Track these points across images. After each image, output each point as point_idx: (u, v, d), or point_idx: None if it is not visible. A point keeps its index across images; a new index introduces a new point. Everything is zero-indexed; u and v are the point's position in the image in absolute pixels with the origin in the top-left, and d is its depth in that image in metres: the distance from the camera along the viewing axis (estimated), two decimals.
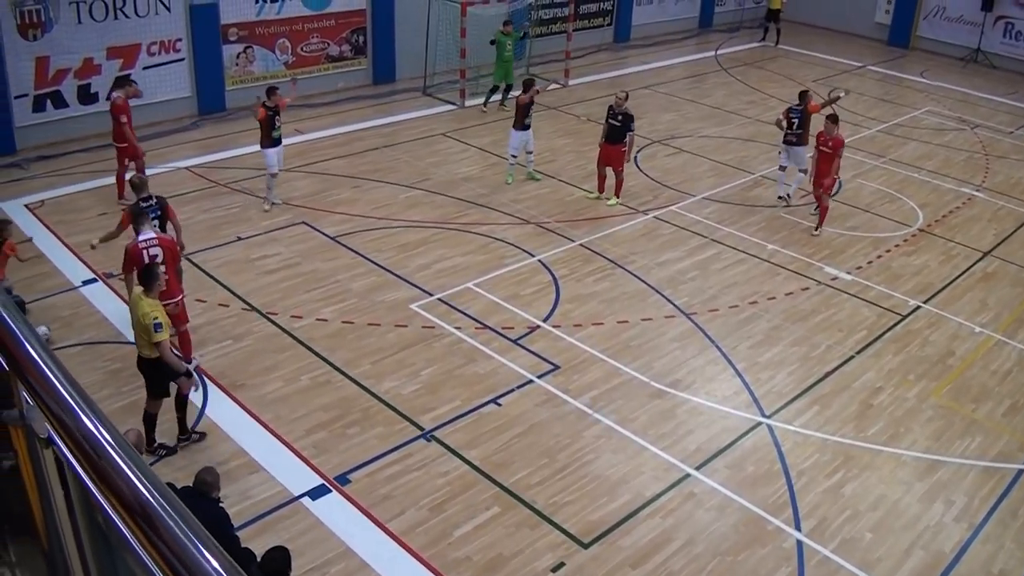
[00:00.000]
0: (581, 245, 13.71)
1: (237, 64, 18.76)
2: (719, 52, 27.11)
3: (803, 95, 15.39)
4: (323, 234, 13.54)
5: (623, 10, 26.82)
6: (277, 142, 13.86)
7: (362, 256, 12.95)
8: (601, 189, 15.32)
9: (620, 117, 14.63)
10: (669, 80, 23.59)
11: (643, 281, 12.76)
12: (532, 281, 12.55)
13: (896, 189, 16.78)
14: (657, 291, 12.52)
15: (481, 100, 20.23)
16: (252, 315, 11.28)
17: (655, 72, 24.30)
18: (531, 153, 16.00)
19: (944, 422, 10.16)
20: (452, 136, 18.19)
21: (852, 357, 11.29)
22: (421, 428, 9.38)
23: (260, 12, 18.77)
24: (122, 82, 14.92)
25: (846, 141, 14.85)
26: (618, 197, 15.13)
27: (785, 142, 15.30)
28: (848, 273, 13.42)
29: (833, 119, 14.11)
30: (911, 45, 28.62)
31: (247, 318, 11.20)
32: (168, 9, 17.31)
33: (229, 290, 11.78)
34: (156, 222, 10.21)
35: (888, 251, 14.27)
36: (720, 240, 14.20)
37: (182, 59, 17.87)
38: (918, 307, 12.63)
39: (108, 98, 15.09)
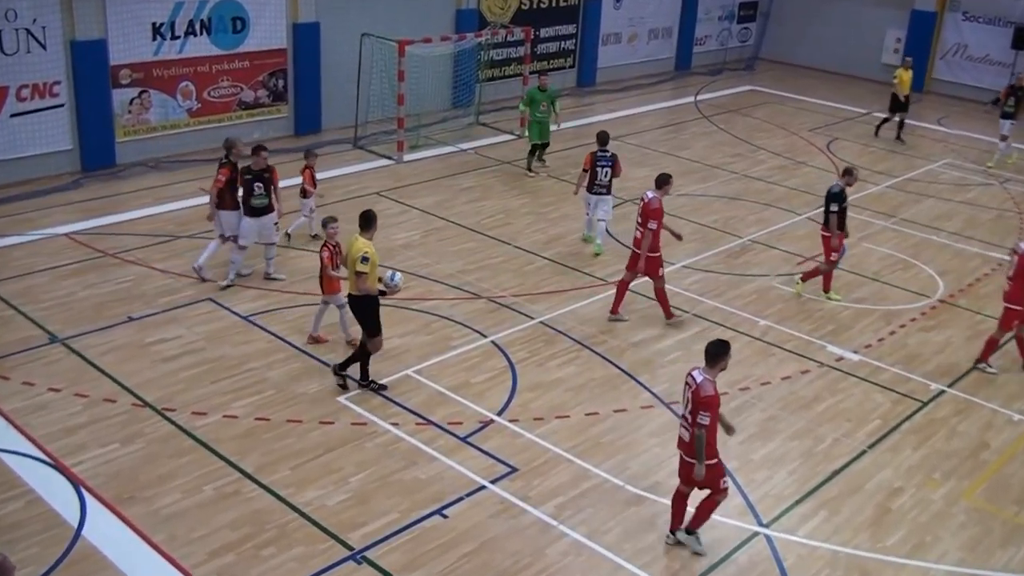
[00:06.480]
0: (542, 323, 13.77)
1: (130, 112, 18.83)
2: (699, 98, 27.80)
3: None
4: (234, 313, 13.46)
5: (587, 50, 27.48)
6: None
7: (281, 339, 12.87)
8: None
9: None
10: (642, 130, 24.09)
11: (615, 365, 12.82)
12: (484, 367, 12.55)
13: (910, 254, 17.13)
14: (632, 376, 12.57)
15: (421, 154, 20.55)
16: (144, 412, 11.11)
17: (625, 121, 24.81)
18: (600, 221, 16.38)
19: (980, 528, 10.21)
20: (388, 196, 18.32)
21: (864, 452, 11.37)
22: (350, 547, 9.24)
23: (158, 51, 18.93)
24: (663, 181, 13.69)
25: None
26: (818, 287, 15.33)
27: None
28: (855, 352, 13.59)
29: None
30: (926, 88, 29.54)
31: (138, 416, 11.02)
32: (43, 46, 17.37)
33: (117, 382, 11.61)
34: None
35: (903, 326, 14.50)
36: (704, 315, 14.35)
37: (61, 105, 17.93)
38: (942, 392, 12.79)
39: (642, 199, 13.63)
